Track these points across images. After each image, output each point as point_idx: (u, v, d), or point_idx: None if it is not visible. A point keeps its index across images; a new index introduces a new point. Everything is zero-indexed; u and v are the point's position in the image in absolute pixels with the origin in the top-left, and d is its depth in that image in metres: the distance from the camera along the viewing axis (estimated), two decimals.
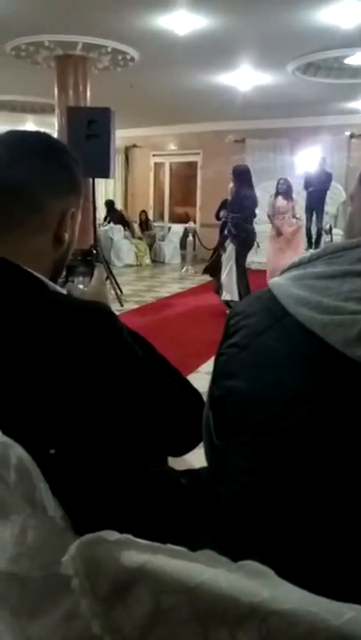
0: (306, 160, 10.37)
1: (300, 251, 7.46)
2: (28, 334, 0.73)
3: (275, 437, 0.55)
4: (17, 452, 0.70)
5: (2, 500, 0.75)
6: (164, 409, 0.80)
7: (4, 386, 0.72)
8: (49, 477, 0.73)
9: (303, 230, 8.21)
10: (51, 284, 0.82)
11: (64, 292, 0.86)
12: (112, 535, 0.50)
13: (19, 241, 0.80)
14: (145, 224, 12.38)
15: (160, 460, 0.93)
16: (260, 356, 0.62)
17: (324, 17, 5.57)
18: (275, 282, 0.66)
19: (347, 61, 7.17)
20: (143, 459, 0.82)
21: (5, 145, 0.82)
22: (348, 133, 10.73)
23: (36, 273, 0.79)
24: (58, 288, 0.84)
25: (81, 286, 1.03)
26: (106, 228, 11.22)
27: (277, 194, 7.71)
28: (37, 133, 0.87)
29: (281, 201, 7.70)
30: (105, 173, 6.44)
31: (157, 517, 0.74)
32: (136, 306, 6.77)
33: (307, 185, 9.26)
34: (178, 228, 12.04)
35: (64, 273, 1.03)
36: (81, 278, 1.04)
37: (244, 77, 7.97)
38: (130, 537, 0.49)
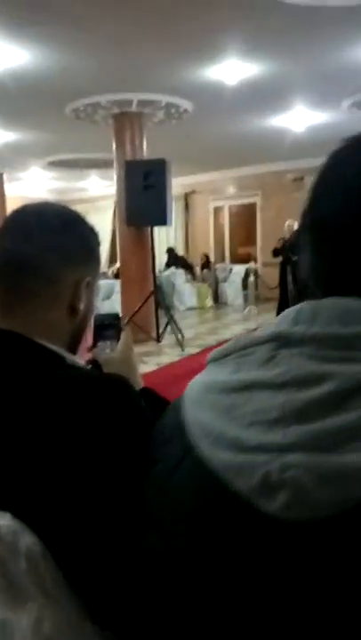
0: None
1: None
2: (40, 412, 0.71)
3: (187, 610, 0.48)
4: (27, 539, 0.67)
5: (18, 587, 0.72)
6: None
7: (18, 467, 0.70)
8: (62, 564, 0.69)
9: None
10: (68, 356, 0.80)
11: (82, 362, 0.84)
12: None
13: (32, 314, 0.79)
14: (206, 266, 12.50)
15: None
16: (171, 508, 0.52)
17: None
18: (188, 392, 0.57)
19: None
20: None
21: (20, 220, 0.83)
22: None
23: (51, 346, 0.78)
24: (76, 359, 0.82)
25: (108, 350, 1.01)
26: (167, 273, 11.40)
27: None
28: (53, 206, 0.87)
29: None
30: (162, 221, 6.59)
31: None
32: (197, 350, 6.73)
33: None
34: (239, 269, 12.05)
35: (91, 337, 1.01)
36: (108, 342, 1.02)
37: (299, 118, 8.02)
38: None
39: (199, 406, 0.52)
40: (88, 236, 0.86)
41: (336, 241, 0.52)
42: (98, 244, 0.88)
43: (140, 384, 0.98)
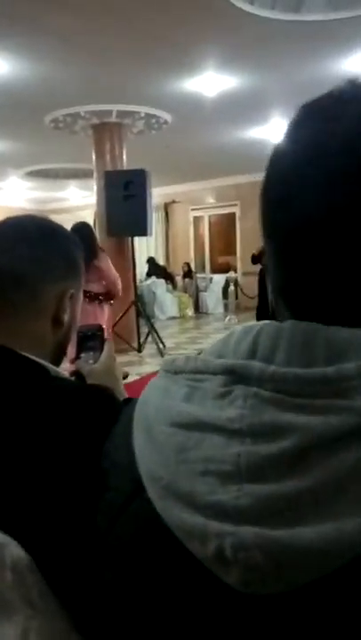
0: None
1: None
2: (25, 424, 0.71)
3: None
4: (12, 552, 0.67)
5: (3, 600, 0.72)
6: None
7: (3, 479, 0.70)
8: (48, 576, 0.69)
9: None
10: (52, 368, 0.80)
11: (66, 374, 0.85)
12: None
13: (16, 326, 0.80)
14: (188, 275, 12.54)
15: None
16: (122, 551, 0.47)
17: (350, 66, 5.66)
18: (138, 413, 0.50)
19: None
20: None
21: (2, 233, 0.84)
22: None
23: (35, 358, 0.78)
24: (60, 371, 0.83)
25: (91, 361, 1.02)
26: (148, 282, 11.41)
27: None
28: (35, 219, 0.88)
29: None
30: (143, 232, 6.61)
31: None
32: None
33: None
34: (219, 278, 12.12)
35: (74, 348, 1.02)
36: (91, 353, 1.03)
37: (277, 130, 8.13)
38: None
39: (146, 438, 0.46)
40: (71, 248, 0.87)
41: (296, 247, 0.44)
42: (81, 256, 0.88)
43: (123, 395, 0.99)
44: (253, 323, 0.45)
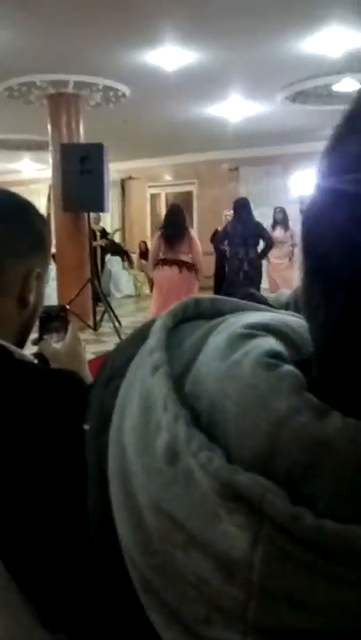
0: (301, 184, 10.43)
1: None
2: None
3: None
4: None
5: None
6: None
7: None
8: (13, 567, 0.67)
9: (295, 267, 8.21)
10: (17, 351, 0.77)
11: (31, 358, 0.81)
12: None
13: None
14: (145, 254, 12.42)
15: None
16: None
17: (310, 46, 5.66)
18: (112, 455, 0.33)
19: (335, 88, 7.26)
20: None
21: None
22: None
23: None
24: (25, 354, 0.79)
25: (53, 342, 0.98)
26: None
27: (275, 224, 7.74)
28: (7, 192, 0.83)
29: (278, 231, 7.72)
30: (100, 207, 6.49)
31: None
32: None
33: (301, 209, 9.28)
34: None
35: (37, 329, 0.98)
36: (54, 335, 0.99)
37: (235, 108, 8.08)
38: None
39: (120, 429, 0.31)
40: (39, 225, 0.82)
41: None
42: (48, 233, 0.84)
43: (88, 378, 0.95)
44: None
